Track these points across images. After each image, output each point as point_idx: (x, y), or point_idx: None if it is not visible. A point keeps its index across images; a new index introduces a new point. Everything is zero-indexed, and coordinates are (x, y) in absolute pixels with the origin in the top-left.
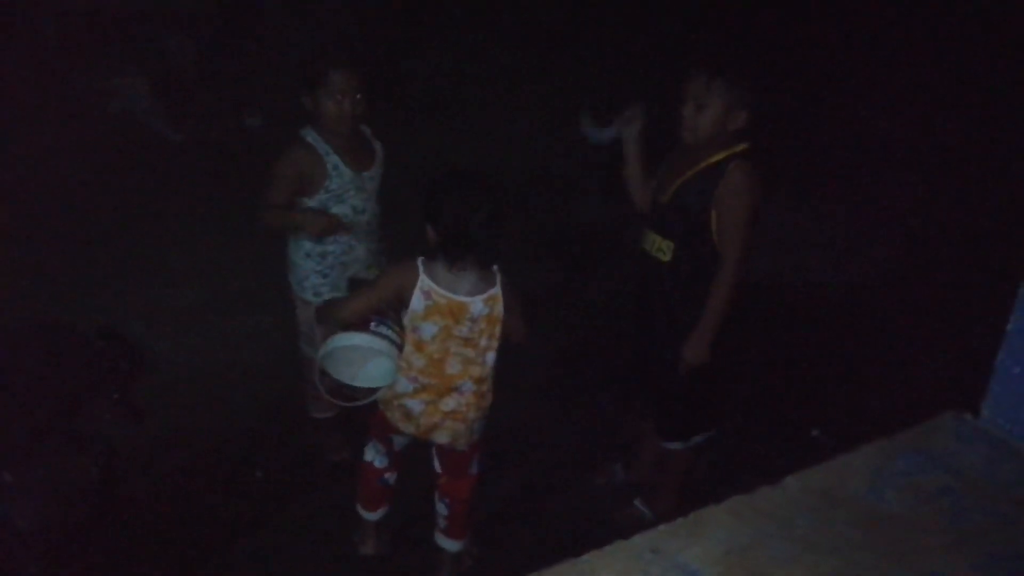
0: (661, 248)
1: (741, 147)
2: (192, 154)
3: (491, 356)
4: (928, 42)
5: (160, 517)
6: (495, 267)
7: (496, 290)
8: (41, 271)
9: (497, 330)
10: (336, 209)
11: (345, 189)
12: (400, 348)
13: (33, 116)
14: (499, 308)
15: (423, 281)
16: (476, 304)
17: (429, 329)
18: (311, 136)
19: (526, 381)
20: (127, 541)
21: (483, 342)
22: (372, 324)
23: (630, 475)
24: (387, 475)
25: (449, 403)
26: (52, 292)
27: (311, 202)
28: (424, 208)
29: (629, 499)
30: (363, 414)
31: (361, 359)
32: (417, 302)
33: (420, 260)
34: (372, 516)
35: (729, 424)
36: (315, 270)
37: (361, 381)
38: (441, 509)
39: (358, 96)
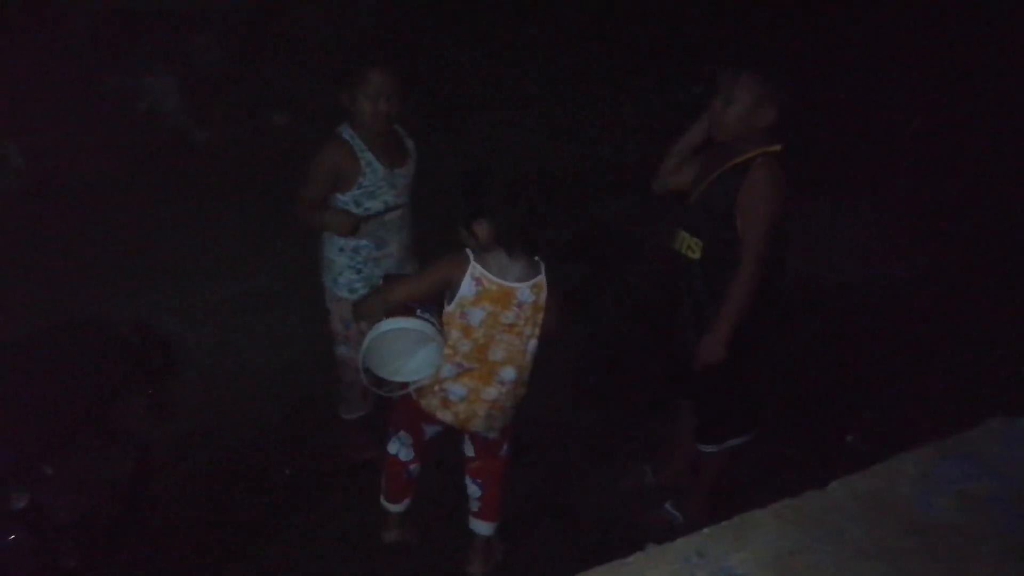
0: (691, 246)
1: (773, 148)
2: (219, 152)
3: (533, 344)
4: (968, 39)
5: (190, 511)
6: (538, 258)
7: (541, 278)
8: (73, 268)
9: (540, 318)
10: (368, 204)
11: (378, 185)
12: (442, 336)
13: (63, 115)
14: (543, 296)
15: (474, 268)
16: (523, 291)
17: (477, 315)
18: (347, 133)
19: (557, 382)
20: (159, 534)
21: (527, 330)
22: (417, 312)
23: (660, 478)
24: (412, 467)
25: (491, 392)
26: (83, 289)
27: (344, 197)
28: (472, 206)
29: (659, 502)
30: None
31: (404, 348)
32: (467, 288)
33: (470, 251)
34: (397, 508)
35: (763, 428)
36: (349, 266)
37: (402, 375)
38: (474, 491)
39: (394, 97)
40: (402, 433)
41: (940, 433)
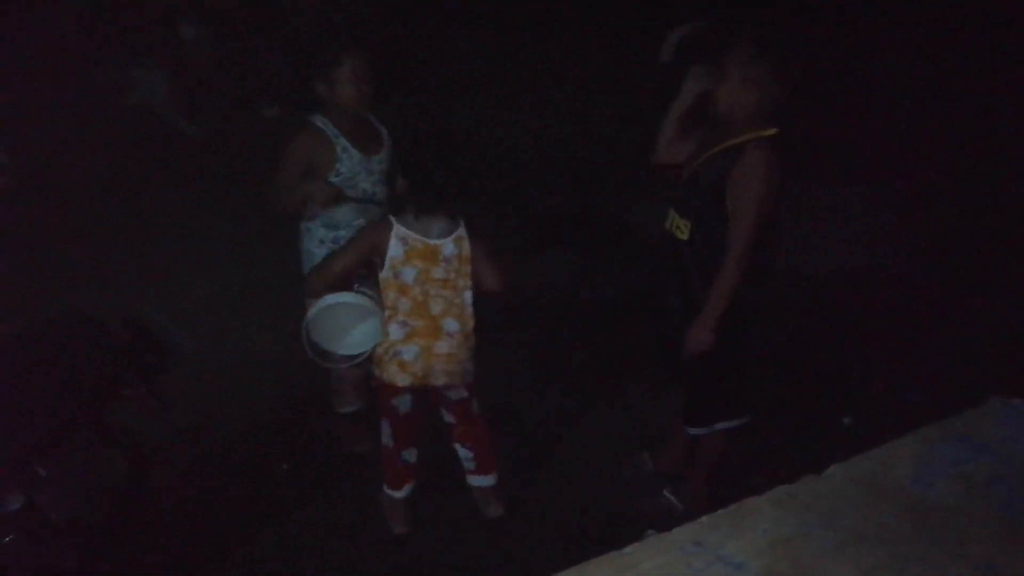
0: (679, 226)
1: (768, 131)
2: (209, 145)
3: (468, 295)
4: (963, 23)
5: (187, 508)
6: (458, 217)
7: (461, 231)
8: (62, 265)
9: (468, 269)
10: (348, 192)
11: (355, 173)
12: (381, 308)
13: (51, 109)
14: (466, 247)
15: (398, 229)
16: (447, 245)
17: (409, 272)
18: (320, 120)
19: (550, 371)
20: (155, 532)
21: (460, 282)
22: (355, 286)
23: (658, 465)
24: (404, 453)
25: (442, 346)
26: (71, 285)
27: None
28: (400, 165)
29: (657, 489)
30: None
31: (349, 322)
32: (395, 249)
33: (391, 216)
34: (399, 494)
35: (759, 412)
36: (328, 255)
37: (347, 348)
38: (465, 454)
39: (370, 80)
40: (383, 420)
41: (937, 414)
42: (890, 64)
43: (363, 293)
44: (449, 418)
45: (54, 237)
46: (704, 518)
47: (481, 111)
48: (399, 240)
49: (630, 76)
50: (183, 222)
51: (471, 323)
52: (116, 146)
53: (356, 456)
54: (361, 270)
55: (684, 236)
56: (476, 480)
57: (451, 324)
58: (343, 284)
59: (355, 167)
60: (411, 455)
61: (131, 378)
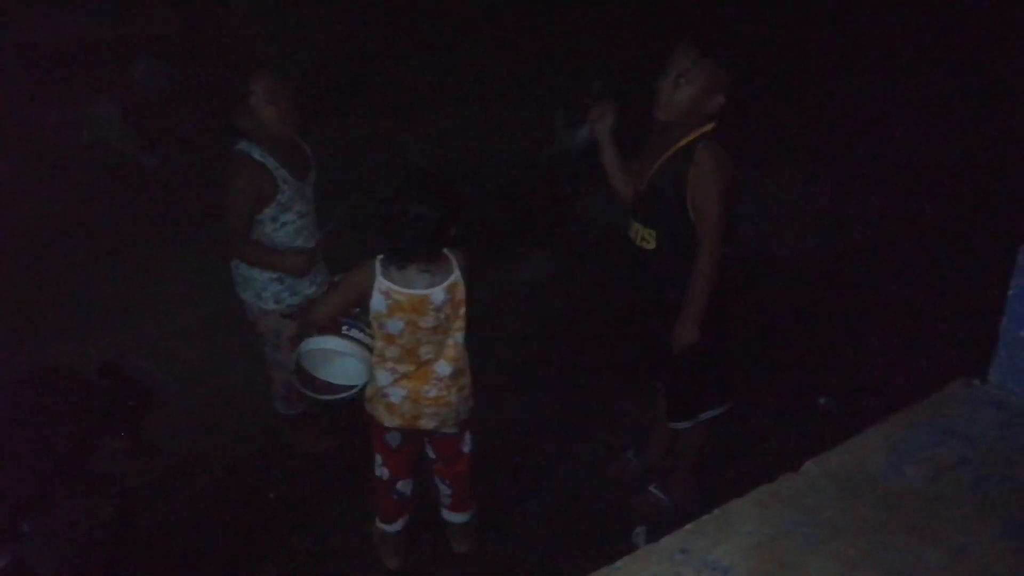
0: (645, 237)
1: (708, 127)
2: (168, 177)
3: (460, 336)
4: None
5: (178, 549)
6: (447, 252)
7: (455, 276)
8: (31, 310)
9: (462, 311)
10: (284, 217)
11: (292, 198)
12: (370, 348)
13: (5, 152)
14: (460, 291)
15: (380, 282)
16: (437, 294)
17: (396, 325)
18: (256, 152)
19: (527, 376)
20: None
21: (453, 325)
22: (343, 327)
23: (644, 462)
24: (398, 485)
25: (430, 391)
26: (45, 331)
27: (261, 216)
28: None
29: (644, 486)
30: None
31: (334, 360)
32: (378, 303)
33: (378, 260)
34: (392, 528)
35: (737, 400)
36: (271, 278)
37: (337, 379)
38: (443, 489)
39: (289, 98)
40: (376, 454)
41: (905, 394)
42: (854, 34)
43: (350, 337)
44: (431, 454)
45: (21, 283)
46: (689, 525)
47: (445, 124)
48: (381, 293)
49: (591, 81)
50: (149, 256)
51: (462, 362)
52: (75, 185)
53: (320, 455)
54: (353, 309)
55: (651, 246)
56: (449, 516)
57: (442, 367)
58: (331, 325)
59: (293, 194)
60: (407, 487)
61: (113, 426)
